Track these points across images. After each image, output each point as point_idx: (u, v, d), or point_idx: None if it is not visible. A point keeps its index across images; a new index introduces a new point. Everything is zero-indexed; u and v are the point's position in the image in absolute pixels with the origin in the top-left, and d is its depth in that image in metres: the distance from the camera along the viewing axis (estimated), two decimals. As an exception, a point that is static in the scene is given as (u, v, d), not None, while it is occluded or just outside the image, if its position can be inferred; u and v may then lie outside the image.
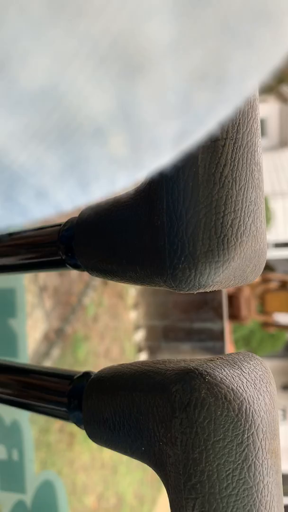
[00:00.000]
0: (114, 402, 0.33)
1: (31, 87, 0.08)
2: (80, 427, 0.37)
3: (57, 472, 1.52)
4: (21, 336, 1.03)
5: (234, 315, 2.74)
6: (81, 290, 1.85)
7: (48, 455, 1.45)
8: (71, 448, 1.68)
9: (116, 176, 0.11)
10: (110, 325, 1.97)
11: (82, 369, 0.40)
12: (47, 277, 1.49)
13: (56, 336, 1.61)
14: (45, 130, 0.09)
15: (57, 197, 0.11)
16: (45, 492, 1.00)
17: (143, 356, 2.08)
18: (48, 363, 1.55)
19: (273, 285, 3.29)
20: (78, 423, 0.37)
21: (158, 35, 0.08)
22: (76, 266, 0.38)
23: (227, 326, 1.93)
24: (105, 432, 0.34)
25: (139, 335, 2.07)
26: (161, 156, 0.11)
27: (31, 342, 1.39)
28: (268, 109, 6.12)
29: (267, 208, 4.62)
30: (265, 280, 3.27)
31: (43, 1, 0.08)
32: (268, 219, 4.49)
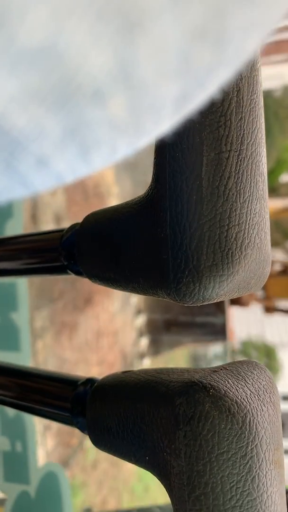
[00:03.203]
0: (117, 411, 0.33)
1: (31, 45, 0.08)
2: (84, 433, 0.37)
3: None
4: (23, 329, 1.04)
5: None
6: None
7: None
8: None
9: (117, 143, 0.11)
10: (109, 473, 1.90)
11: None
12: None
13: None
14: (45, 91, 0.09)
15: (58, 166, 0.11)
16: (48, 483, 1.01)
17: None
18: None
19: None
20: (82, 429, 0.37)
21: None
22: (78, 273, 0.38)
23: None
24: (109, 440, 0.34)
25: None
26: (162, 121, 0.11)
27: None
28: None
29: (275, 360, 4.54)
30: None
31: None
32: (276, 370, 4.42)
